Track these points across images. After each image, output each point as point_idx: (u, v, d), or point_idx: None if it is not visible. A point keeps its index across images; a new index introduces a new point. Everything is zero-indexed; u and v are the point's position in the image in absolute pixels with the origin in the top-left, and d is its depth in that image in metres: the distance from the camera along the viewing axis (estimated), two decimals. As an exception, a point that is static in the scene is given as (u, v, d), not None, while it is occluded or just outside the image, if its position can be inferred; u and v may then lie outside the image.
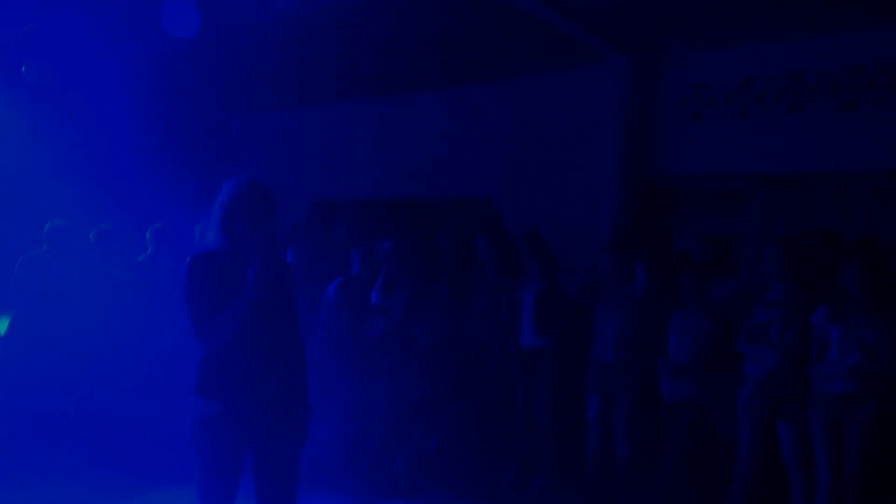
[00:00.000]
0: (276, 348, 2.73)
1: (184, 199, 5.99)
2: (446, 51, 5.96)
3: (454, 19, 5.11)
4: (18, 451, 5.24)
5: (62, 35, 5.68)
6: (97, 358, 5.63)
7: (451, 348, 5.19)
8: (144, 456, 5.02)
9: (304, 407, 2.87)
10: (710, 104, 5.61)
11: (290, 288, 2.86)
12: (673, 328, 4.35)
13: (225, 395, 2.63)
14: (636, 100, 5.83)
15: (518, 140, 6.73)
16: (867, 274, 3.63)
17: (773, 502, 3.99)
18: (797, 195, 5.25)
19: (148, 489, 4.66)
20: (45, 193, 6.88)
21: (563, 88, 6.41)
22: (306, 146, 8.63)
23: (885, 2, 4.40)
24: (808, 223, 5.09)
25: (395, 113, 7.74)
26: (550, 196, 6.41)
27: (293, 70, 6.84)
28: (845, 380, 3.64)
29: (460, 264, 5.44)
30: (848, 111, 4.98)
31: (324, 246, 5.91)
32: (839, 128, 5.00)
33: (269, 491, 2.77)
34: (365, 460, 4.97)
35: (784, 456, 3.92)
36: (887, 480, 3.63)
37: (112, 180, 7.28)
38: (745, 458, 4.02)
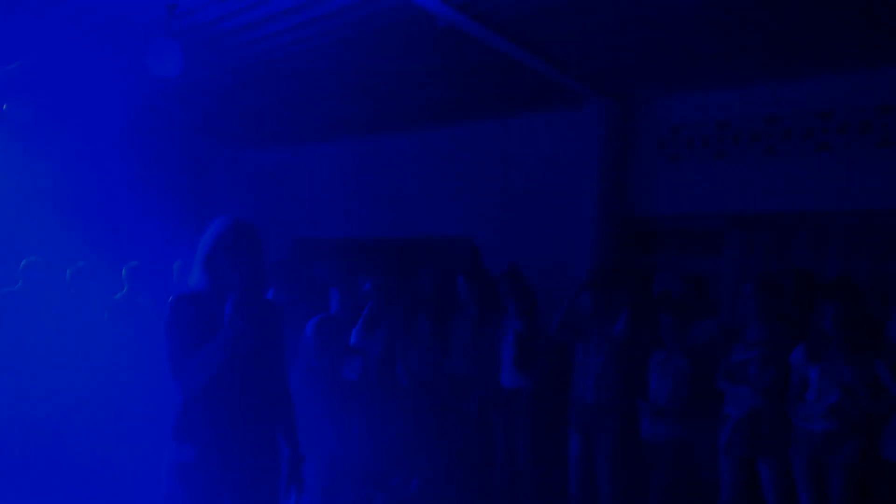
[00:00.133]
0: (259, 392, 2.61)
1: (166, 237, 5.95)
2: (428, 92, 6.05)
3: (436, 61, 5.19)
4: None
5: (45, 73, 5.70)
6: (71, 397, 5.51)
7: (431, 389, 5.14)
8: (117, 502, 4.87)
9: (297, 457, 2.78)
10: (687, 146, 5.73)
11: (277, 328, 2.74)
12: (653, 368, 4.35)
13: (203, 440, 2.52)
14: (615, 141, 5.93)
15: (499, 180, 6.80)
16: (845, 314, 3.68)
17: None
18: (773, 234, 5.33)
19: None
20: (22, 230, 6.80)
21: (543, 130, 6.50)
22: (289, 184, 8.66)
23: (852, 50, 4.57)
24: (785, 262, 5.18)
25: (377, 152, 7.81)
26: (531, 236, 6.45)
27: (275, 109, 6.90)
28: (826, 419, 3.66)
29: (441, 303, 5.43)
30: (821, 153, 5.10)
31: (305, 284, 5.88)
32: (813, 169, 5.12)
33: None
34: (343, 504, 4.88)
35: (765, 495, 3.90)
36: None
37: (93, 217, 7.22)
38: (727, 498, 4.01)
